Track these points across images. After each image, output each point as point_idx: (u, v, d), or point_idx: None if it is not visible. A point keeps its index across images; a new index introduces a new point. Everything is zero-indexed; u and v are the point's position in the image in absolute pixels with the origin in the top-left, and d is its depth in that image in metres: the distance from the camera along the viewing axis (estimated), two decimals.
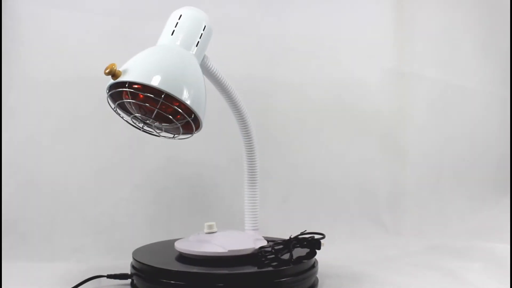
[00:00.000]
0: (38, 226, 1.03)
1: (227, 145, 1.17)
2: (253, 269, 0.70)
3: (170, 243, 0.84)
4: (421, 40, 1.40)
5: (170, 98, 0.66)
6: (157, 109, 0.67)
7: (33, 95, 1.08)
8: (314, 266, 0.77)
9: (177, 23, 0.73)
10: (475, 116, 1.49)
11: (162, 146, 1.14)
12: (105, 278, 0.78)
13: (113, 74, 0.65)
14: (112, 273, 0.78)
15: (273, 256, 0.74)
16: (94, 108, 1.10)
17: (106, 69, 0.65)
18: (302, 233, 0.80)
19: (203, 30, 0.74)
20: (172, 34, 0.72)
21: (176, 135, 0.74)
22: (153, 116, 0.68)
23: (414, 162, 1.37)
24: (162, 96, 0.65)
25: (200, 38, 0.73)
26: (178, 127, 0.70)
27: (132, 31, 1.14)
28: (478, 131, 1.49)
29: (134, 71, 0.66)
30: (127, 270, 0.78)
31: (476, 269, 0.89)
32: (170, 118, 0.68)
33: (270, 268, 0.71)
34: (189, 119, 0.68)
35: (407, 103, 1.38)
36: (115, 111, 0.73)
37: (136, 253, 0.79)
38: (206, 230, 0.79)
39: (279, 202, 1.22)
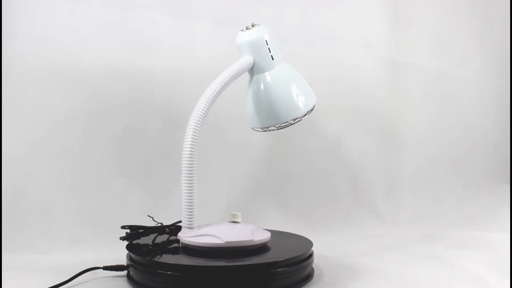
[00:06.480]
0: (35, 219, 1.03)
1: (225, 140, 1.17)
2: (249, 261, 0.70)
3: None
4: (417, 29, 1.40)
5: None
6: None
7: (27, 86, 1.07)
8: (310, 256, 0.77)
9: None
10: (471, 105, 1.49)
11: (158, 138, 1.14)
12: (101, 269, 0.78)
13: None
14: (108, 264, 0.78)
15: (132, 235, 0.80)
16: (90, 99, 1.10)
17: None
18: (174, 223, 0.84)
19: None
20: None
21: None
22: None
23: (410, 151, 1.37)
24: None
25: None
26: None
27: (127, 23, 1.13)
28: (474, 120, 1.49)
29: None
30: (123, 261, 0.78)
31: (473, 258, 0.89)
32: None
33: (266, 261, 0.71)
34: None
35: (403, 92, 1.38)
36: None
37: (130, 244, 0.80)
38: (230, 219, 0.79)
39: (274, 193, 1.21)
